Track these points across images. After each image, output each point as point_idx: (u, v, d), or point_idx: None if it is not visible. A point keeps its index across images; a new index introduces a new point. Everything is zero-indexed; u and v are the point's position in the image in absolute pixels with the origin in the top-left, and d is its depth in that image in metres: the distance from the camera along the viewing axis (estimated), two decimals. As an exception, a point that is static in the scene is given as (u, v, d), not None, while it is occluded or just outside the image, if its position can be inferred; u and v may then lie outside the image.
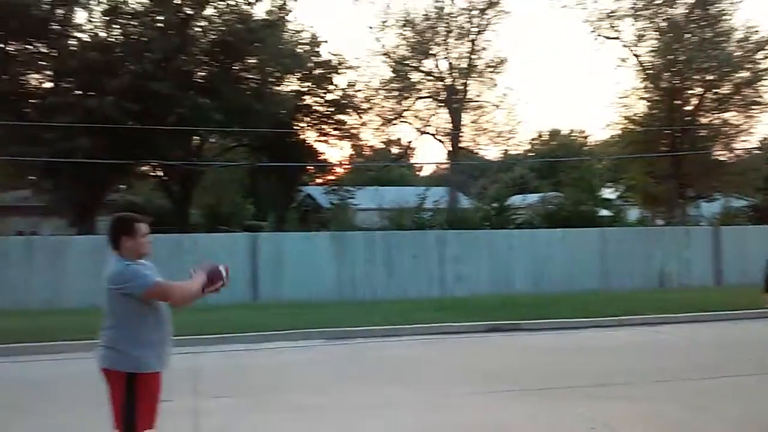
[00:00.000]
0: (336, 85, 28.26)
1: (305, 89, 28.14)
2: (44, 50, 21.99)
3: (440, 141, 32.60)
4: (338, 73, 28.22)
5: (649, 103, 30.74)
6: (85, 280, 14.94)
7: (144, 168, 28.60)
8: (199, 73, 23.05)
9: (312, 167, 31.35)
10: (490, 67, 31.17)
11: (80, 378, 8.22)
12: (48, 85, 22.80)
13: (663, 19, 29.25)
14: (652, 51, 30.05)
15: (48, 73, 22.37)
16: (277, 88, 26.78)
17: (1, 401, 7.33)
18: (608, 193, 31.44)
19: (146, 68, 20.15)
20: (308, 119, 29.01)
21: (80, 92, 21.44)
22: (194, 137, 25.64)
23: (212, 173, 33.01)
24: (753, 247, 17.06)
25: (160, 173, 28.95)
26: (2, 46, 21.37)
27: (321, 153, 31.52)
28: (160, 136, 20.89)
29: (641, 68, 30.15)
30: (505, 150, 38.24)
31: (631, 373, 8.22)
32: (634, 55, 30.03)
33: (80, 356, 9.70)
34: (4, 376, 8.80)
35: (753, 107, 29.40)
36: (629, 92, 30.72)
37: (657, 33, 29.49)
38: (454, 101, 30.67)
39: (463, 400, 6.94)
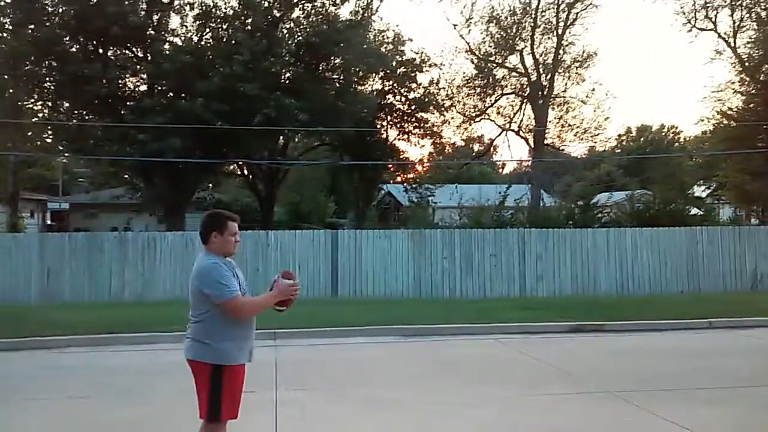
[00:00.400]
0: (419, 84, 28.34)
1: (388, 88, 28.36)
2: (140, 55, 23.07)
3: (524, 138, 32.18)
4: (421, 72, 28.30)
5: (744, 97, 29.34)
6: (174, 275, 15.66)
7: (231, 167, 29.56)
8: (285, 74, 23.60)
9: (393, 166, 31.55)
10: (577, 62, 30.56)
11: (173, 368, 8.64)
12: (143, 88, 23.91)
13: (763, 8, 27.81)
14: (750, 42, 28.64)
15: (143, 76, 23.45)
16: (361, 87, 27.09)
17: (105, 387, 7.79)
18: (700, 191, 30.18)
19: (235, 70, 20.81)
20: (390, 118, 29.21)
21: (172, 94, 22.36)
22: (279, 137, 26.26)
23: (296, 172, 33.80)
24: None
25: (246, 172, 29.86)
26: (103, 51, 22.55)
27: (402, 151, 31.71)
28: (247, 135, 21.53)
29: (738, 60, 28.80)
30: (592, 146, 37.35)
31: (720, 376, 7.90)
32: (730, 47, 28.72)
33: (172, 347, 10.19)
34: (105, 365, 9.32)
35: None
36: (724, 86, 29.40)
37: (755, 23, 28.08)
38: (539, 97, 30.18)
39: (544, 401, 6.86)
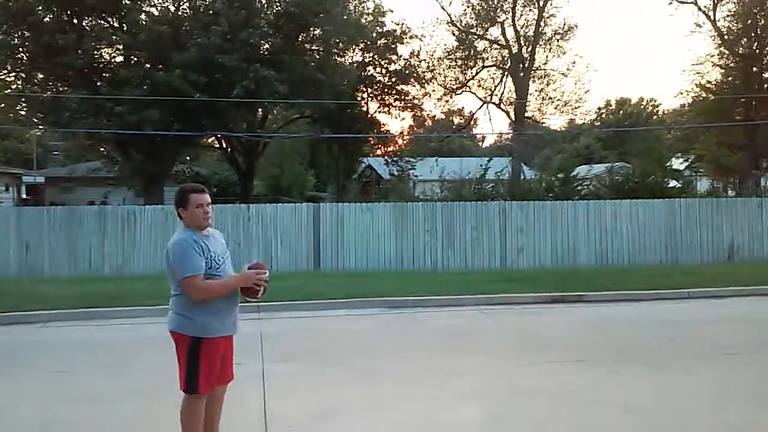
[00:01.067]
0: (399, 56, 28.16)
1: (368, 60, 28.15)
2: (116, 25, 22.61)
3: (504, 111, 32.22)
4: (402, 43, 28.12)
5: (723, 70, 29.56)
6: (154, 249, 15.53)
7: (210, 140, 29.26)
8: (264, 45, 23.30)
9: (373, 138, 31.45)
10: (558, 34, 30.54)
11: (156, 341, 8.62)
12: (119, 59, 23.49)
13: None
14: (730, 15, 28.79)
15: (119, 47, 23.04)
16: (341, 59, 26.84)
17: (88, 361, 7.75)
18: (678, 163, 30.50)
19: (213, 41, 20.50)
20: (370, 90, 29.05)
21: (149, 66, 22.00)
22: (258, 109, 26.02)
23: (275, 145, 33.55)
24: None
25: (225, 145, 29.60)
26: (77, 21, 22.07)
27: (383, 124, 31.63)
28: (225, 108, 21.29)
29: (717, 34, 28.94)
30: (572, 119, 37.51)
31: (697, 345, 8.06)
32: (710, 20, 28.85)
33: (154, 320, 10.15)
34: (88, 338, 9.27)
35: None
36: (703, 59, 29.59)
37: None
38: (520, 70, 30.14)
39: (528, 370, 6.95)
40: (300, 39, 24.54)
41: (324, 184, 42.62)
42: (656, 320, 10.05)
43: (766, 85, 27.97)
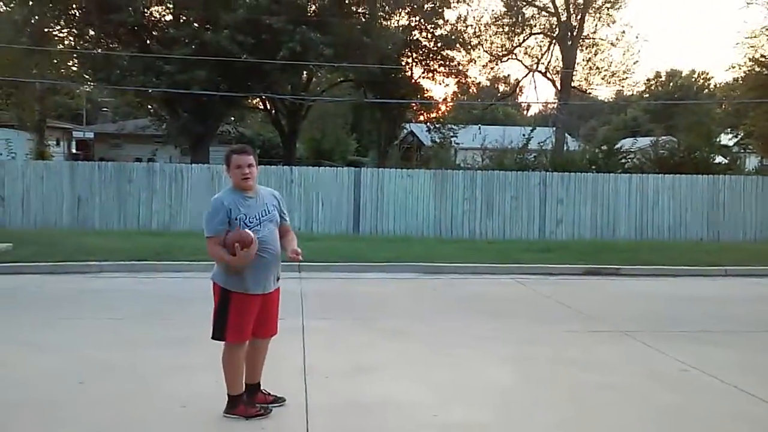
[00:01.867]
0: (446, 20, 27.89)
1: (414, 24, 27.92)
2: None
3: (550, 80, 31.81)
4: (449, 8, 27.80)
5: (779, 43, 28.54)
6: (200, 206, 15.99)
7: (254, 101, 29.57)
8: (311, 8, 23.36)
9: (416, 104, 31.37)
10: (608, 2, 29.83)
11: (201, 293, 9.02)
12: (168, 17, 23.82)
13: (804, -49, 26.81)
14: (789, -14, 27.69)
15: (169, 5, 23.35)
16: (387, 22, 26.72)
17: (139, 310, 8.20)
18: (726, 139, 29.82)
19: (261, 2, 20.66)
20: (415, 55, 28.87)
21: (197, 25, 22.29)
22: (303, 72, 26.16)
23: (318, 108, 33.72)
24: None
25: (269, 106, 29.89)
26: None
27: (427, 90, 31.47)
28: (271, 69, 21.51)
29: (774, 5, 27.91)
30: (619, 90, 36.82)
31: (728, 321, 8.13)
32: (768, -9, 27.80)
33: (200, 275, 10.56)
34: (138, 289, 9.74)
35: None
36: (758, 32, 28.59)
37: (796, -34, 27.11)
38: (568, 38, 29.65)
39: (561, 337, 7.13)
40: (347, 1, 24.52)
41: (365, 148, 42.75)
42: (689, 296, 10.09)
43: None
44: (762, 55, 28.86)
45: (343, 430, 4.50)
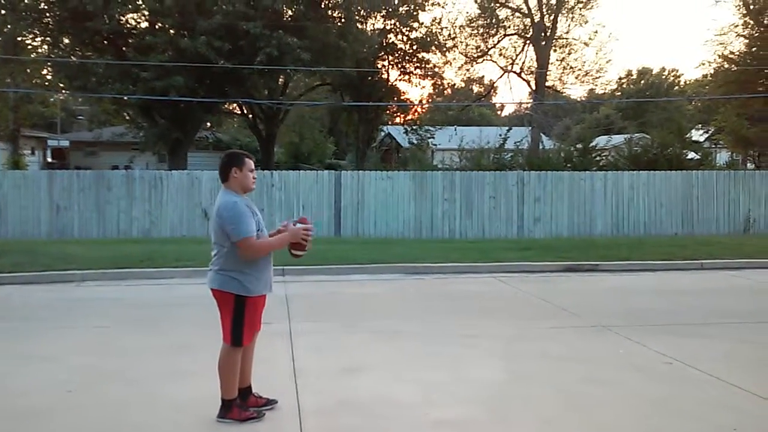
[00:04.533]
0: (421, 23, 28.09)
1: (390, 27, 28.10)
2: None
3: (525, 80, 32.14)
4: (424, 10, 28.00)
5: (747, 41, 29.20)
6: (180, 213, 16.02)
7: (232, 106, 29.53)
8: (287, 12, 23.42)
9: (393, 107, 31.55)
10: (580, 2, 30.24)
11: (187, 300, 9.08)
12: (145, 24, 23.73)
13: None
14: (756, -16, 28.36)
15: (145, 13, 23.27)
16: (362, 26, 26.86)
17: (124, 318, 8.22)
18: (698, 135, 30.37)
19: (237, 8, 20.68)
20: (391, 58, 29.05)
21: (174, 32, 22.24)
22: (280, 76, 26.20)
23: (296, 112, 33.76)
24: None
25: (247, 111, 29.88)
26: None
27: (403, 92, 31.66)
28: (248, 75, 21.53)
29: (742, 3, 28.54)
30: (592, 89, 37.31)
31: (707, 314, 8.36)
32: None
33: (183, 281, 10.63)
34: (122, 297, 9.75)
35: None
36: (727, 29, 29.23)
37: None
38: (542, 39, 30.01)
39: (545, 333, 7.30)
40: (322, 5, 24.61)
41: (343, 152, 42.79)
42: (667, 289, 10.34)
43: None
44: (731, 52, 29.51)
45: (336, 431, 4.60)
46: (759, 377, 5.70)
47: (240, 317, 4.54)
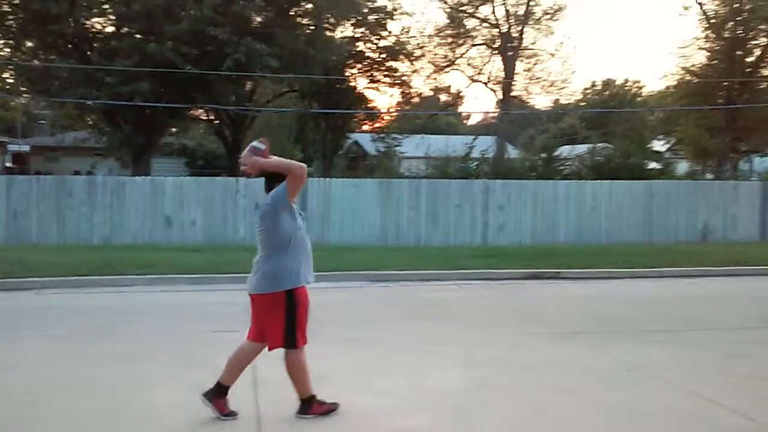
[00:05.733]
0: (390, 32, 28.23)
1: (359, 35, 28.18)
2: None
3: (491, 90, 32.45)
4: (392, 19, 28.14)
5: (709, 54, 29.90)
6: (142, 219, 15.82)
7: (197, 112, 29.28)
8: (256, 18, 23.34)
9: (361, 114, 31.60)
10: (547, 14, 30.66)
11: (148, 308, 8.99)
12: (110, 29, 23.43)
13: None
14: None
15: (111, 17, 22.98)
16: (331, 34, 26.90)
17: (86, 326, 8.10)
18: (659, 145, 30.99)
19: (205, 13, 20.56)
20: (360, 66, 29.12)
21: (140, 36, 22.00)
22: (248, 82, 26.08)
23: (263, 119, 33.60)
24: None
25: (214, 117, 29.65)
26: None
27: (370, 100, 31.72)
28: (216, 80, 21.39)
29: (704, 17, 29.25)
30: (557, 99, 37.85)
31: (666, 320, 8.55)
32: (698, 3, 29.13)
33: (144, 289, 10.51)
34: (82, 305, 9.60)
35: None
36: (689, 42, 29.91)
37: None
38: (509, 49, 30.35)
39: (508, 341, 7.38)
40: (292, 13, 24.59)
41: (310, 159, 42.68)
42: (628, 297, 10.54)
43: (748, 69, 28.43)
44: (693, 65, 30.20)
45: (296, 438, 4.61)
46: (714, 384, 5.84)
47: (293, 315, 4.71)
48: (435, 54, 31.47)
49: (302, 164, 4.68)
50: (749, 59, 28.88)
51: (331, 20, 26.07)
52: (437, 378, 5.95)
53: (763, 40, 28.73)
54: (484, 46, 31.87)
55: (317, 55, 23.25)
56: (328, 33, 26.17)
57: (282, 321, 4.66)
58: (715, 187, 18.38)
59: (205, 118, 30.67)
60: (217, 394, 4.78)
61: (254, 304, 4.82)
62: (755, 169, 26.35)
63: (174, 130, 30.07)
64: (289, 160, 4.74)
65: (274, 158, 4.72)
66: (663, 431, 4.78)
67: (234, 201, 16.12)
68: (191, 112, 27.58)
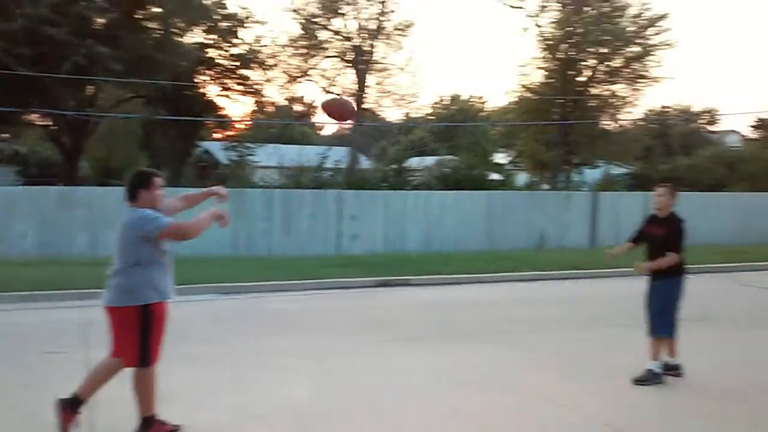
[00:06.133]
0: (242, 40, 27.84)
1: (210, 42, 27.54)
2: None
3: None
4: (244, 28, 27.77)
5: (545, 73, 32.10)
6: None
7: (32, 117, 27.30)
8: (98, 20, 22.14)
9: (212, 122, 30.88)
10: (397, 29, 31.55)
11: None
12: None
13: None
14: (553, 22, 31.32)
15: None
16: (180, 39, 26.10)
17: None
18: (500, 158, 32.83)
19: (41, 12, 19.21)
20: (211, 73, 28.47)
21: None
22: (89, 86, 24.68)
23: (106, 125, 31.93)
24: (626, 212, 18.51)
25: (50, 123, 27.74)
26: None
27: (222, 108, 31.09)
28: (52, 84, 20.06)
29: (541, 38, 31.38)
30: (407, 113, 39.05)
31: (507, 323, 9.08)
32: (536, 25, 31.22)
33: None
34: None
35: (640, 81, 31.41)
36: (528, 61, 31.96)
37: (559, 5, 30.75)
38: (361, 62, 30.92)
39: (357, 348, 7.52)
40: (137, 16, 23.59)
41: (158, 167, 40.99)
42: (472, 302, 11.08)
43: (580, 88, 30.88)
44: (531, 83, 32.31)
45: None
46: (548, 381, 6.28)
47: (148, 330, 4.55)
48: (288, 64, 31.44)
49: (200, 229, 4.69)
50: (580, 79, 31.37)
51: (181, 25, 25.31)
52: (287, 390, 5.94)
53: (592, 62, 31.36)
54: (338, 59, 32.28)
55: (165, 61, 22.48)
56: (176, 38, 25.37)
57: (136, 337, 4.53)
58: (550, 198, 19.78)
59: (41, 123, 28.62)
60: (71, 406, 4.58)
61: (109, 317, 4.62)
62: (586, 181, 28.62)
63: (5, 135, 27.80)
64: (201, 221, 4.71)
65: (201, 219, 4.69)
66: (497, 427, 5.08)
67: (71, 211, 15.15)
68: (25, 116, 25.66)
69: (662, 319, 6.23)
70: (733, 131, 50.85)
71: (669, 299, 6.23)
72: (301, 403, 5.60)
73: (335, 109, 5.76)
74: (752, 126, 48.94)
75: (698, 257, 13.74)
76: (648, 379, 6.11)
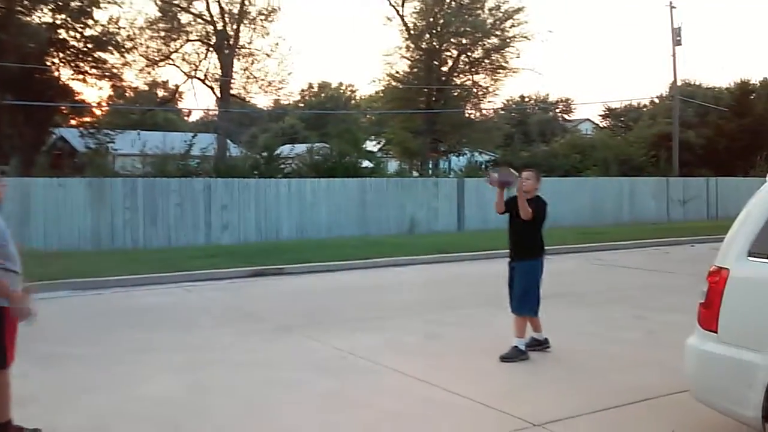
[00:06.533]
0: (96, 21, 26.20)
1: (60, 22, 25.71)
2: None
3: (209, 87, 31.87)
4: (98, 8, 26.15)
5: (410, 62, 32.73)
6: None
7: None
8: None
9: (66, 108, 28.93)
10: (262, 14, 30.88)
11: None
12: None
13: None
14: (416, 12, 31.93)
15: None
16: (28, 18, 24.19)
17: None
18: (371, 145, 33.20)
19: None
20: (63, 55, 26.61)
21: None
22: None
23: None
24: (491, 198, 19.24)
25: None
26: None
27: (77, 93, 29.17)
28: None
29: (405, 28, 31.92)
30: (276, 99, 38.51)
31: (379, 309, 9.19)
32: (400, 15, 31.70)
33: None
34: None
35: (499, 71, 32.80)
36: (393, 51, 32.43)
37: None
38: (225, 47, 30.04)
39: (228, 340, 7.34)
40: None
41: (6, 156, 37.98)
42: (345, 288, 11.14)
43: (444, 78, 31.77)
44: (397, 72, 32.84)
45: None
46: (417, 363, 6.43)
47: (2, 333, 4.36)
48: (148, 47, 30.00)
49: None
50: (444, 69, 32.28)
51: (26, 3, 23.47)
52: (152, 387, 5.68)
53: (454, 52, 32.33)
54: (200, 43, 31.21)
55: (10, 41, 20.78)
56: (23, 17, 23.51)
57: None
58: (419, 184, 20.24)
59: None
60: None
61: None
62: (453, 168, 29.53)
63: None
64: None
65: None
66: (369, 411, 5.13)
67: None
68: None
69: (526, 299, 6.56)
70: (587, 119, 54.44)
71: (531, 280, 6.58)
72: (166, 399, 5.38)
73: (504, 178, 6.43)
74: (601, 115, 52.62)
75: (558, 238, 14.62)
76: (514, 356, 6.40)
